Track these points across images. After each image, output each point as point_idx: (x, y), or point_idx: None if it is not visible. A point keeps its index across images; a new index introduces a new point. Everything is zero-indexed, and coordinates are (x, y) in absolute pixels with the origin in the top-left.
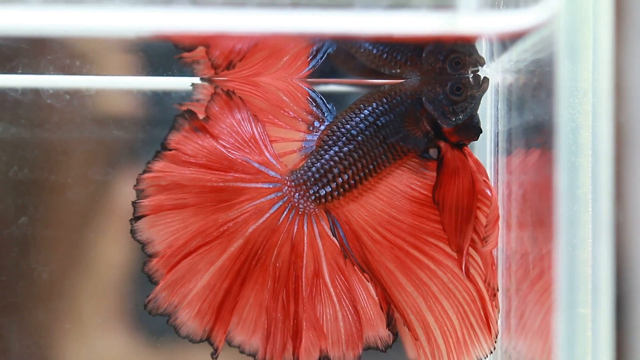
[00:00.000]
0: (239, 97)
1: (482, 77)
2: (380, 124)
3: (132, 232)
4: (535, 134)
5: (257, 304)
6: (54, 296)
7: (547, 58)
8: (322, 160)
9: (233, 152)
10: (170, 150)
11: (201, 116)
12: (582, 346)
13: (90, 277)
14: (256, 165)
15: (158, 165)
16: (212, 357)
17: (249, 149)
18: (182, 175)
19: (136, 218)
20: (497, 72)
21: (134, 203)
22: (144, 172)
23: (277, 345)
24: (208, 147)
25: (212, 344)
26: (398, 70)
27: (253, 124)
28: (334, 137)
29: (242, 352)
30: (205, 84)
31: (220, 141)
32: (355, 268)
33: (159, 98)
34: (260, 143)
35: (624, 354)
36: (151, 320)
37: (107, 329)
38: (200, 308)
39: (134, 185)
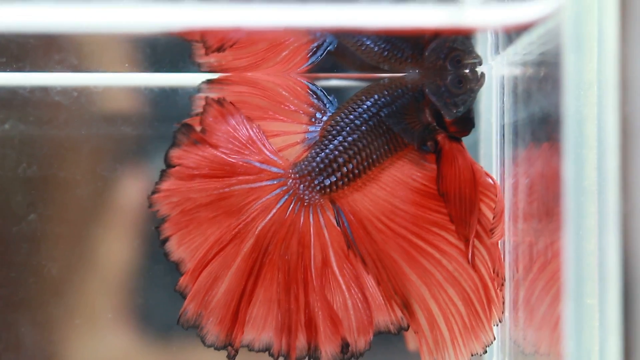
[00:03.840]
0: (230, 102)
1: (479, 73)
2: (383, 115)
3: (165, 255)
4: (541, 126)
5: (267, 300)
6: (64, 292)
7: (553, 50)
8: (327, 150)
9: (233, 156)
10: (174, 166)
11: (198, 128)
12: (589, 336)
13: (99, 272)
14: (257, 164)
15: (165, 184)
16: (228, 359)
17: (248, 150)
18: (189, 189)
19: (163, 242)
20: (502, 65)
21: (156, 228)
22: (153, 193)
23: (292, 335)
24: (209, 157)
25: (232, 348)
26: (398, 67)
27: (248, 126)
28: (338, 127)
29: (251, 349)
30: (202, 94)
31: (219, 149)
32: (357, 259)
33: (166, 94)
34: (258, 143)
35: (632, 343)
36: (159, 316)
37: (117, 324)
38: (222, 314)
39: (149, 207)
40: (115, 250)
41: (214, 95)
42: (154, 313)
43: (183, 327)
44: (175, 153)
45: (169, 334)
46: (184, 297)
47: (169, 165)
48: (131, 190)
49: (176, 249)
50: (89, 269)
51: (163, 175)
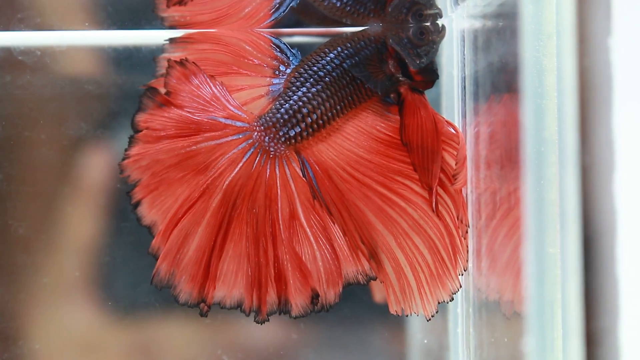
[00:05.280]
0: (193, 62)
1: (440, 25)
2: (346, 66)
3: (138, 219)
4: (502, 77)
5: (237, 255)
6: (31, 251)
7: (512, 1)
8: (291, 101)
9: (198, 114)
10: (141, 131)
11: (163, 90)
12: (552, 284)
13: (66, 231)
14: (222, 120)
15: (134, 149)
16: (201, 315)
17: (212, 107)
18: (158, 151)
19: (135, 206)
20: (462, 17)
21: (127, 193)
22: (123, 159)
23: (262, 290)
24: (174, 117)
25: (205, 304)
26: (361, 22)
27: (211, 84)
28: (302, 79)
29: (223, 307)
30: (165, 55)
31: (184, 109)
32: (323, 210)
33: (129, 52)
34: (222, 99)
35: (592, 290)
36: (125, 274)
37: (84, 282)
38: (193, 271)
39: (120, 174)
40: (81, 209)
41: (176, 55)
42: (120, 271)
43: (157, 287)
44: (141, 117)
45: (136, 291)
46: (157, 259)
47: (136, 130)
48: (96, 148)
49: (148, 212)
50: (56, 227)
51: (131, 141)
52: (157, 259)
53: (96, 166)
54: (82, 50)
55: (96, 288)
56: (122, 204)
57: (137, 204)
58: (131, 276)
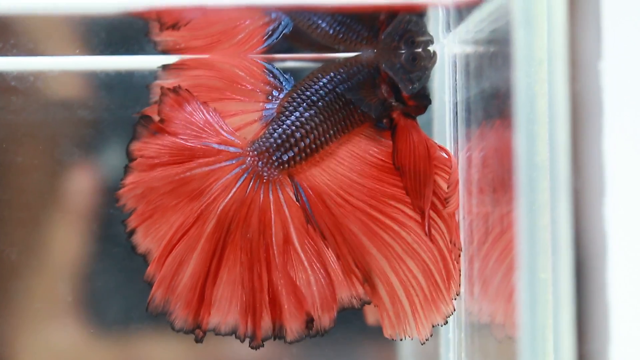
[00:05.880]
0: (186, 89)
1: (432, 51)
2: (339, 91)
3: (132, 248)
4: (493, 103)
5: (231, 281)
6: (23, 276)
7: (504, 27)
8: (284, 126)
9: (192, 141)
10: (135, 159)
11: (157, 118)
12: (543, 310)
13: (58, 256)
14: (216, 146)
15: (129, 178)
16: (196, 342)
17: (205, 134)
18: (152, 178)
19: (129, 234)
20: (454, 43)
21: (122, 222)
22: (119, 188)
23: (256, 315)
24: (168, 144)
25: (200, 330)
26: (354, 49)
27: (204, 110)
28: (295, 104)
29: (217, 334)
30: (159, 82)
31: (178, 136)
32: (317, 234)
33: (122, 78)
34: (215, 125)
35: (584, 315)
36: (118, 299)
37: (76, 307)
38: (188, 298)
39: (116, 203)
40: (73, 234)
41: (170, 81)
42: (113, 296)
43: (152, 314)
44: (135, 146)
45: (128, 316)
46: (152, 286)
47: (131, 159)
48: (88, 174)
49: (142, 240)
50: (47, 253)
51: (126, 170)
52: (152, 286)
53: (88, 191)
54: (74, 76)
55: (88, 313)
56: (114, 229)
57: (132, 232)
58: (123, 301)
